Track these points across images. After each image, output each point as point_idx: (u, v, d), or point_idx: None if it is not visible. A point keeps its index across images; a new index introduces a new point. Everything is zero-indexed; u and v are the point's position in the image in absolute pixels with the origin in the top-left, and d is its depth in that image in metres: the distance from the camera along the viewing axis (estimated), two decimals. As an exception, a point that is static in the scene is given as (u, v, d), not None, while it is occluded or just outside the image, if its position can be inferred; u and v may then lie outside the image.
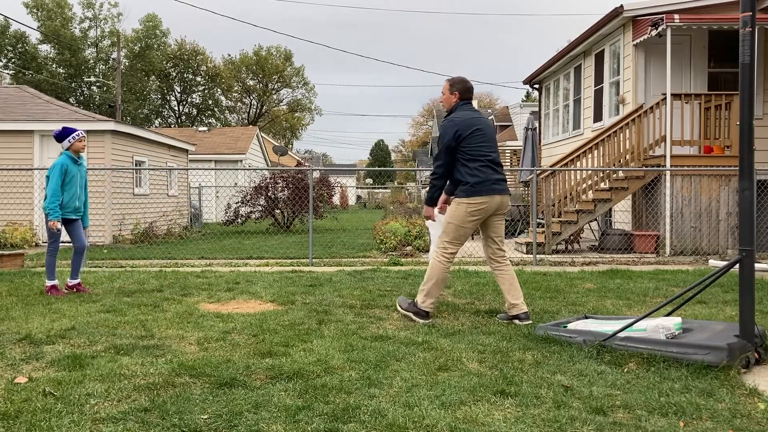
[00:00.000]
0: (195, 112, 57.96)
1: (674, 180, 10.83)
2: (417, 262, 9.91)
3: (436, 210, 5.54)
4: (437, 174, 5.30)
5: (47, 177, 6.70)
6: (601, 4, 22.17)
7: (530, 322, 5.17)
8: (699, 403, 3.27)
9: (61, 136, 6.78)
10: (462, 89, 5.37)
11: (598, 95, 13.91)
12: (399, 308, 5.42)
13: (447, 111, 5.42)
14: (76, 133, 6.81)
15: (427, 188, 5.56)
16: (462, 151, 5.18)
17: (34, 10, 48.01)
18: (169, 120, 57.39)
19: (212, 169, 12.47)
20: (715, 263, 9.55)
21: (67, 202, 6.70)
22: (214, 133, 30.32)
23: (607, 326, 4.46)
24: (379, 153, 77.73)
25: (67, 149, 6.77)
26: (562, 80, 16.46)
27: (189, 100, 58.26)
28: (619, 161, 11.32)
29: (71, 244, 6.94)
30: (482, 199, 5.16)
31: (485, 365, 3.98)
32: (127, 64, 49.24)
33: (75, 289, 6.83)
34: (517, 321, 5.19)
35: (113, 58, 48.99)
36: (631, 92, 12.13)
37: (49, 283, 6.70)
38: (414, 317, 5.25)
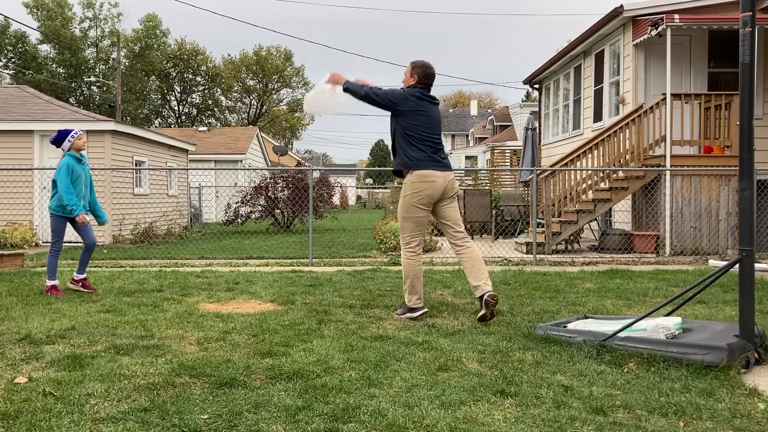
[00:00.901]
0: (195, 112, 57.96)
1: (674, 180, 10.83)
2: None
3: (338, 88, 5.44)
4: (371, 95, 5.26)
5: (53, 181, 6.68)
6: (601, 4, 22.16)
7: (493, 292, 5.03)
8: (699, 403, 3.27)
9: (59, 139, 6.75)
10: (421, 74, 5.38)
11: (598, 95, 13.91)
12: (397, 315, 5.49)
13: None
14: (74, 132, 6.80)
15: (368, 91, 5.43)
16: (403, 127, 5.25)
17: (34, 10, 48.03)
18: (169, 120, 57.40)
19: (212, 169, 12.49)
20: (715, 263, 9.55)
21: None
22: (214, 133, 30.32)
23: (607, 326, 4.46)
24: (379, 153, 77.69)
25: (68, 150, 6.76)
26: (562, 80, 16.46)
27: (189, 100, 58.27)
28: (619, 161, 11.32)
29: (72, 244, 6.94)
30: (424, 173, 5.18)
31: (485, 365, 3.98)
32: (127, 64, 49.24)
33: (81, 284, 6.84)
34: (483, 309, 5.03)
35: (113, 58, 48.98)
36: (631, 92, 12.13)
37: (49, 283, 6.70)
38: (410, 315, 5.34)
